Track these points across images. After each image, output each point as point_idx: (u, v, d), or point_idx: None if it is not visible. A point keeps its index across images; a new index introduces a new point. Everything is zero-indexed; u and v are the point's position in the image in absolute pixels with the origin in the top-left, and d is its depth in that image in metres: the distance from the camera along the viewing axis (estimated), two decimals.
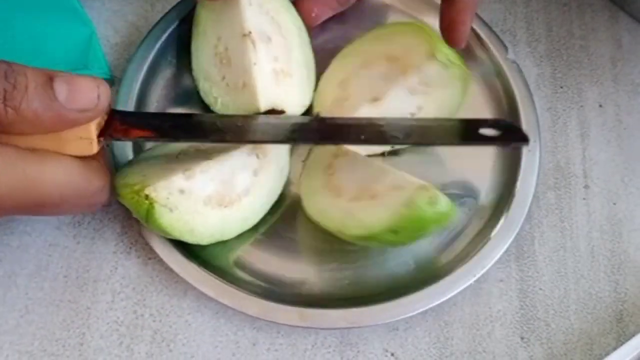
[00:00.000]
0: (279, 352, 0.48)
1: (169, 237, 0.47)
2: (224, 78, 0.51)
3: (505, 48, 0.57)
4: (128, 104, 0.53)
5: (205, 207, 0.47)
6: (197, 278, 0.48)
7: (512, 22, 0.60)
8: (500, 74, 0.53)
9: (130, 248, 0.51)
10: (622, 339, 0.50)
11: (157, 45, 0.55)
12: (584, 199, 0.54)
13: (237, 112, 0.51)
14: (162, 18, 0.56)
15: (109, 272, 0.50)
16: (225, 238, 0.48)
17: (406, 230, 0.45)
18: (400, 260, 0.50)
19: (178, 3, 0.56)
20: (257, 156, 0.49)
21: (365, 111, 0.51)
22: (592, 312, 0.51)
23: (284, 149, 0.51)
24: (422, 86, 0.50)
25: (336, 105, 0.52)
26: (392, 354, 0.49)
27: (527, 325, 0.50)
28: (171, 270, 0.50)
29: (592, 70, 0.59)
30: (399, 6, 0.58)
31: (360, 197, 0.47)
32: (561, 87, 0.58)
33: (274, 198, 0.51)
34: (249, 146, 0.48)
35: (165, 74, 0.56)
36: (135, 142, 0.52)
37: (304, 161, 0.52)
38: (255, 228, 0.50)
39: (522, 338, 0.50)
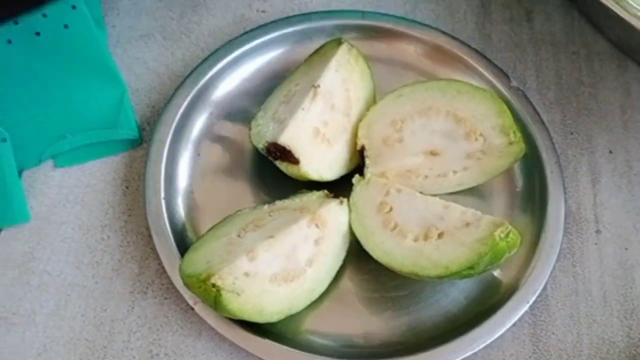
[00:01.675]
0: None
1: (238, 319, 0.47)
2: (276, 112, 0.53)
3: (508, 77, 0.58)
4: (163, 142, 0.55)
5: (271, 285, 0.46)
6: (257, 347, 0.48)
7: (522, 70, 0.62)
8: (507, 102, 0.53)
9: (147, 288, 0.52)
10: None
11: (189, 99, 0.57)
12: (596, 243, 0.55)
13: (262, 140, 0.52)
14: (193, 71, 0.58)
15: (125, 312, 0.51)
16: (294, 312, 0.47)
17: (483, 264, 0.46)
18: (452, 297, 0.51)
19: (209, 56, 0.58)
20: (317, 226, 0.50)
21: (419, 161, 0.52)
22: (605, 357, 0.51)
23: (344, 215, 0.51)
24: (480, 153, 0.51)
25: (386, 144, 0.53)
26: None
27: None
28: (186, 311, 0.51)
29: (602, 117, 0.60)
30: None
31: (428, 235, 0.48)
32: (571, 134, 0.59)
33: (339, 264, 0.51)
34: (308, 217, 0.49)
35: (200, 120, 0.57)
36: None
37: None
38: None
39: None
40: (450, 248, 0.47)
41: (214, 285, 0.45)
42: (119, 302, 0.51)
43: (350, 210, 0.51)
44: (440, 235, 0.48)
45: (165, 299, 0.51)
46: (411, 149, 0.52)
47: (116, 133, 0.56)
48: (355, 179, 0.53)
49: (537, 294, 0.51)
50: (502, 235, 0.46)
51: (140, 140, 0.57)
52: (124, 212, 0.55)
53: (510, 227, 0.46)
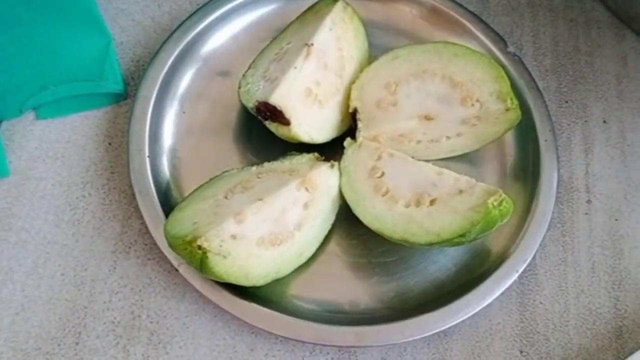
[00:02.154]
0: (276, 359, 0.48)
1: (224, 281, 0.46)
2: (267, 70, 0.51)
3: (504, 42, 0.57)
4: (148, 98, 0.53)
5: (258, 249, 0.46)
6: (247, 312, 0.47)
7: (519, 36, 0.60)
8: (503, 68, 0.52)
9: (130, 248, 0.51)
10: (621, 356, 0.49)
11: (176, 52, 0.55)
12: (586, 214, 0.54)
13: (251, 99, 0.50)
14: (182, 23, 0.56)
15: (107, 272, 0.50)
16: (280, 276, 0.47)
17: (475, 232, 0.45)
18: (441, 264, 0.51)
19: (197, 10, 0.56)
20: (307, 189, 0.48)
21: (413, 126, 0.51)
22: (591, 327, 0.50)
23: (334, 179, 0.50)
24: (475, 119, 0.50)
25: (380, 107, 0.51)
26: None
27: (527, 339, 0.50)
28: (169, 272, 0.49)
29: (597, 86, 0.59)
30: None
31: (420, 202, 0.47)
32: (566, 102, 0.58)
33: (327, 228, 0.50)
34: (297, 181, 0.48)
35: (187, 76, 0.56)
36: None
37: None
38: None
39: (521, 352, 0.49)
40: (442, 215, 0.46)
41: (200, 247, 0.44)
42: (100, 262, 0.50)
43: (340, 174, 0.50)
44: (432, 202, 0.47)
45: (149, 259, 0.50)
46: (405, 112, 0.51)
47: (101, 86, 0.54)
48: (347, 142, 0.52)
49: (526, 263, 0.50)
50: (496, 204, 0.45)
51: (126, 95, 0.55)
52: (106, 170, 0.53)
53: (504, 195, 0.46)
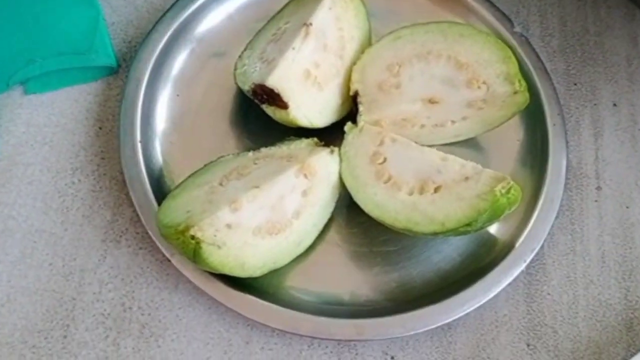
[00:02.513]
0: (273, 352, 0.46)
1: (218, 272, 0.44)
2: (264, 51, 0.49)
3: (511, 22, 0.54)
4: (141, 80, 0.51)
5: (255, 238, 0.44)
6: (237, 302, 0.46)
7: (525, 16, 0.58)
8: (509, 48, 0.50)
9: (121, 237, 0.49)
10: (632, 349, 0.48)
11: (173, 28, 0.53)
12: (596, 201, 0.52)
13: (247, 81, 0.48)
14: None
15: (96, 262, 0.48)
16: (278, 266, 0.45)
17: (481, 221, 0.43)
18: (445, 254, 0.49)
19: None
20: (305, 176, 0.46)
21: (416, 109, 0.49)
22: (601, 320, 0.49)
23: (334, 165, 0.48)
24: (481, 102, 0.48)
25: (382, 90, 0.49)
26: (392, 357, 0.46)
27: (534, 331, 0.48)
28: (162, 262, 0.47)
29: (607, 67, 0.57)
30: None
31: (423, 189, 0.45)
32: (575, 84, 0.56)
33: (327, 217, 0.48)
34: (296, 167, 0.46)
35: (181, 58, 0.53)
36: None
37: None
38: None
39: (528, 345, 0.48)
40: (447, 203, 0.44)
41: (193, 237, 0.42)
42: (90, 251, 0.48)
43: (341, 160, 0.48)
44: (437, 190, 0.45)
45: (140, 248, 0.48)
46: (408, 95, 0.49)
47: (91, 59, 0.52)
48: (348, 126, 0.50)
49: (534, 252, 0.48)
50: (503, 191, 0.43)
51: (117, 68, 0.53)
52: (96, 155, 0.51)
53: (512, 182, 0.44)
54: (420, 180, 0.46)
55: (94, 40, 0.52)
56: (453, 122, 0.49)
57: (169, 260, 0.46)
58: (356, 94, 0.50)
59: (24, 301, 0.46)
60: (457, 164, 0.45)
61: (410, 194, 0.45)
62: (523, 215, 0.49)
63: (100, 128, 0.52)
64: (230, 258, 0.43)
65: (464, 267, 0.48)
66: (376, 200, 0.46)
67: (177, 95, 0.52)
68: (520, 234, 0.49)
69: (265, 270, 0.45)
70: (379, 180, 0.46)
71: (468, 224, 0.43)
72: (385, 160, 0.47)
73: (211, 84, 0.53)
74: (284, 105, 0.47)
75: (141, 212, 0.47)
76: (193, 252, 0.42)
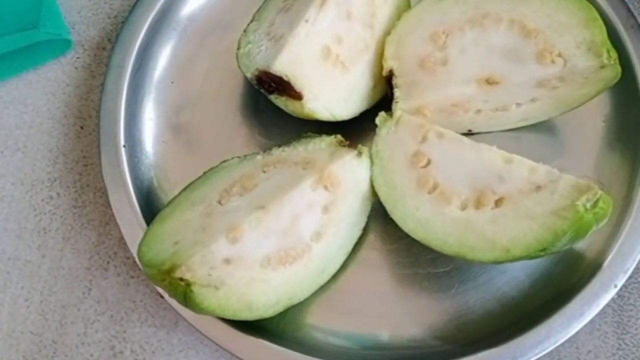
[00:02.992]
0: None
1: (220, 317, 0.36)
2: (272, 25, 0.41)
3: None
4: (124, 68, 0.43)
5: (264, 271, 0.36)
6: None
7: None
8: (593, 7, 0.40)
9: (108, 263, 0.42)
10: None
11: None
12: None
13: (251, 66, 0.39)
14: None
15: (80, 295, 0.41)
16: (295, 302, 0.37)
17: (560, 245, 0.35)
18: (510, 276, 0.39)
19: None
20: (326, 188, 0.38)
21: (470, 93, 0.39)
22: None
23: (363, 170, 0.39)
24: (556, 80, 0.38)
25: (424, 68, 0.40)
26: None
27: None
28: (158, 294, 0.40)
29: None
30: None
31: (480, 202, 0.36)
32: None
33: (356, 235, 0.39)
34: (313, 178, 0.37)
35: (172, 37, 0.45)
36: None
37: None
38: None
39: None
40: (512, 222, 0.35)
41: (181, 279, 0.33)
42: (72, 282, 0.41)
43: (372, 164, 0.39)
44: (498, 203, 0.36)
45: (132, 277, 0.41)
46: (459, 74, 0.39)
47: (39, 33, 0.44)
48: (380, 117, 0.40)
49: (627, 274, 0.38)
50: (589, 205, 0.34)
51: (70, 41, 0.45)
52: (77, 162, 0.44)
53: (599, 192, 0.34)
54: (477, 190, 0.37)
55: (40, 11, 0.44)
56: (519, 104, 0.40)
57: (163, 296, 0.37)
58: (391, 74, 0.41)
59: None
60: (525, 168, 0.36)
61: (463, 208, 0.37)
62: (612, 225, 0.39)
63: (81, 127, 0.44)
64: (233, 300, 0.35)
65: (535, 293, 0.39)
66: (418, 217, 0.37)
67: (172, 83, 0.44)
68: (609, 249, 0.39)
69: (279, 309, 0.37)
70: (421, 189, 0.37)
71: (542, 249, 0.34)
72: (429, 162, 0.38)
73: (212, 66, 0.45)
74: (297, 96, 0.39)
75: (127, 234, 0.40)
76: (184, 296, 0.34)
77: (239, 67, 0.40)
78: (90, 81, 0.45)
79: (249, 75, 0.39)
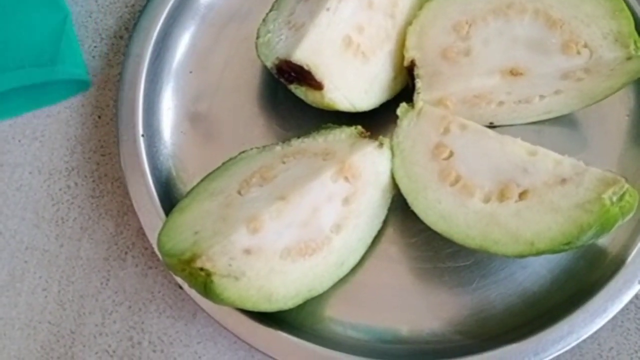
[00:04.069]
0: None
1: (239, 308, 0.36)
2: (292, 13, 0.40)
3: None
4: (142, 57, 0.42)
5: (283, 262, 0.36)
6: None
7: None
8: None
9: (126, 254, 0.41)
10: None
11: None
12: None
13: (270, 55, 0.39)
14: None
15: (98, 285, 0.41)
16: (315, 294, 0.37)
17: (585, 238, 0.34)
18: (532, 270, 0.39)
19: None
20: (347, 179, 0.37)
21: (493, 84, 0.38)
22: None
23: (384, 162, 0.38)
24: (581, 72, 0.37)
25: (447, 58, 0.39)
26: None
27: None
28: (176, 284, 0.39)
29: None
30: None
31: (504, 195, 0.36)
32: None
33: (377, 227, 0.39)
34: (333, 169, 0.36)
35: (191, 25, 0.44)
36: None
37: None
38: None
39: None
40: (536, 215, 0.34)
41: (202, 269, 0.32)
42: (90, 273, 0.41)
43: (393, 156, 0.39)
44: (522, 196, 0.35)
45: (150, 268, 0.41)
46: (483, 65, 0.39)
47: (56, 71, 0.42)
48: (402, 108, 0.40)
49: None
50: (615, 199, 0.33)
51: (89, 82, 0.44)
52: (95, 151, 0.43)
53: (626, 185, 0.33)
54: (500, 182, 0.36)
55: (59, 47, 0.42)
56: (542, 97, 0.39)
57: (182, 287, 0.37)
58: (412, 65, 0.40)
59: (14, 336, 0.40)
60: (549, 161, 0.35)
61: (487, 201, 0.36)
62: (637, 219, 0.38)
63: (99, 117, 0.44)
64: (253, 290, 0.34)
65: (557, 289, 0.39)
66: (440, 210, 0.36)
67: (190, 73, 0.44)
68: (632, 244, 0.38)
69: (298, 301, 0.36)
70: (443, 182, 0.37)
71: (567, 243, 0.33)
72: (451, 154, 0.37)
73: (230, 56, 0.44)
74: (317, 86, 0.38)
75: (146, 224, 0.39)
76: (204, 287, 0.33)
77: (258, 56, 0.39)
78: (108, 70, 0.44)
79: (268, 64, 0.38)
